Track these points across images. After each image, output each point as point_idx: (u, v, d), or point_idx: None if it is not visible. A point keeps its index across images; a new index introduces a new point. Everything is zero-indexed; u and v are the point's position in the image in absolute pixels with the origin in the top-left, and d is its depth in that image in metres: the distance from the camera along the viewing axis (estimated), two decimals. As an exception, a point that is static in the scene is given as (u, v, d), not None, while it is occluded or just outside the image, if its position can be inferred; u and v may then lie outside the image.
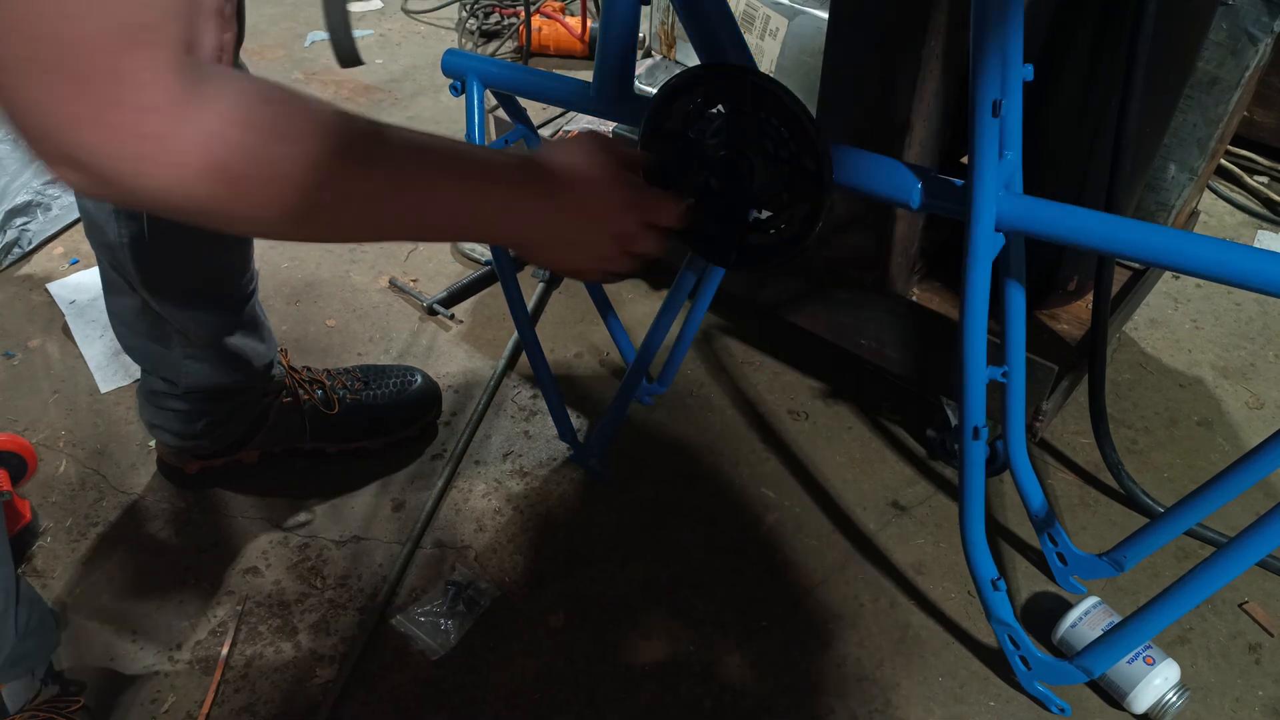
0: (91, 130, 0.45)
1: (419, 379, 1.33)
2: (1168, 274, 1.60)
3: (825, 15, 1.29)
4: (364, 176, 0.56)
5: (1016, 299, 0.97)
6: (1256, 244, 1.76)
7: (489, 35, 2.39)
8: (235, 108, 0.49)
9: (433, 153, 0.60)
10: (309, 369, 1.30)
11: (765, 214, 0.81)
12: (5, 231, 1.66)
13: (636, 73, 1.53)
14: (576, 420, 1.38)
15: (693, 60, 0.94)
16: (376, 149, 0.57)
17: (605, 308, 1.35)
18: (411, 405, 1.31)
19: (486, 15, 2.41)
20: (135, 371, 1.41)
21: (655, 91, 0.81)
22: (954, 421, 1.24)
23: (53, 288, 1.60)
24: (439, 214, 0.62)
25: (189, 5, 0.46)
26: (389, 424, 1.30)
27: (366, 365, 1.34)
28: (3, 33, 0.42)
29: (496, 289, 1.60)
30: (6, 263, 1.66)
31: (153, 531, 1.23)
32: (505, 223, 0.67)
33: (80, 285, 1.60)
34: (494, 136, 1.49)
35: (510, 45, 2.33)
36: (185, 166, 0.47)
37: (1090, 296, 1.19)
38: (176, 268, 1.04)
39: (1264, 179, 1.89)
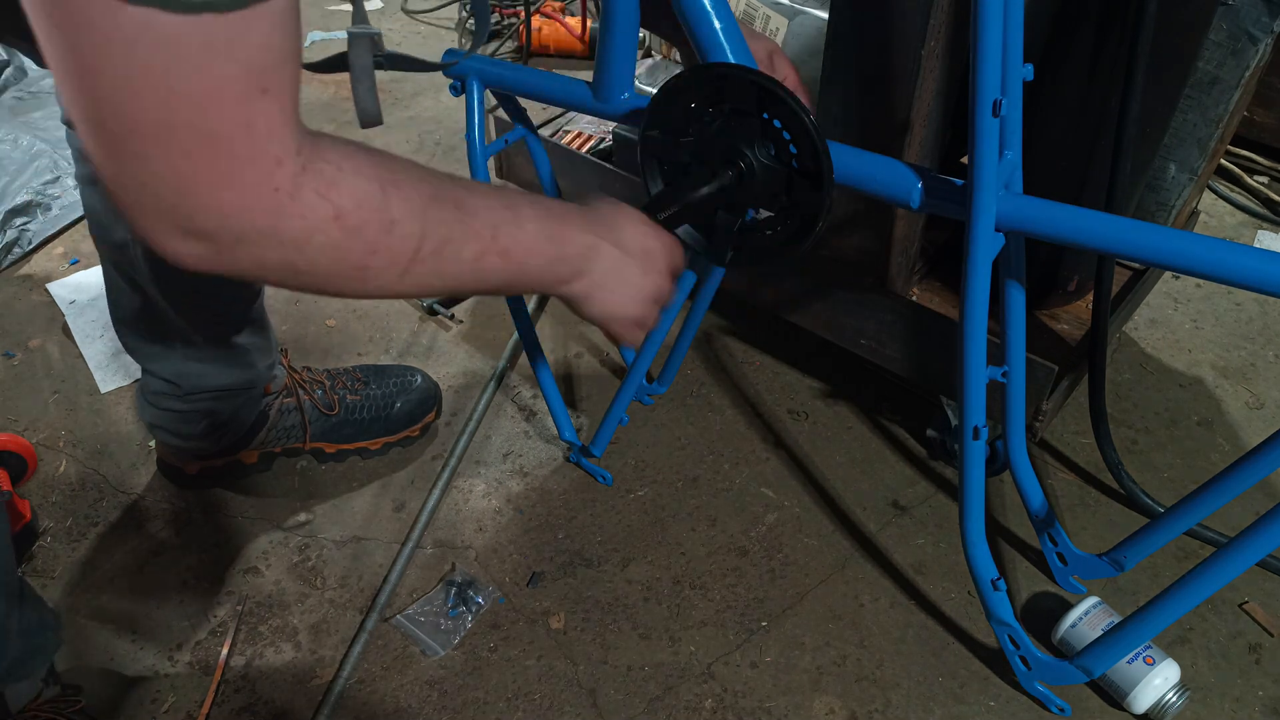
0: (230, 189, 0.44)
1: (419, 379, 1.33)
2: (1168, 274, 1.60)
3: (825, 15, 1.29)
4: (463, 219, 0.56)
5: (1016, 299, 0.97)
6: (1256, 244, 1.76)
7: (489, 35, 2.40)
8: (345, 157, 0.49)
9: (513, 195, 0.62)
10: (309, 369, 1.30)
11: (764, 214, 0.81)
12: (5, 231, 1.66)
13: (636, 73, 1.53)
14: (576, 420, 1.38)
15: (693, 60, 0.94)
16: (471, 194, 0.57)
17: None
18: (412, 405, 1.31)
19: (486, 15, 2.41)
20: (135, 371, 1.41)
21: (655, 91, 0.81)
22: (954, 421, 1.24)
23: (53, 288, 1.60)
24: (525, 252, 0.63)
25: (298, 47, 0.45)
26: (389, 424, 1.30)
27: (366, 365, 1.34)
28: (135, 96, 0.40)
29: (496, 289, 1.60)
30: (6, 263, 1.66)
31: (153, 531, 1.23)
32: (577, 258, 0.68)
33: (80, 285, 1.60)
34: (494, 136, 1.48)
35: (510, 45, 2.33)
36: (311, 218, 0.47)
37: (1090, 296, 1.19)
38: None
39: (1264, 179, 1.89)
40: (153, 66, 0.39)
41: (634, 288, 0.74)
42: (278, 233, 0.47)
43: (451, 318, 1.56)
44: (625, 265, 0.72)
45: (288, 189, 0.46)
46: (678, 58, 1.62)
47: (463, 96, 1.06)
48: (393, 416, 1.30)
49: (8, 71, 2.06)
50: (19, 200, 1.69)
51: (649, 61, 1.64)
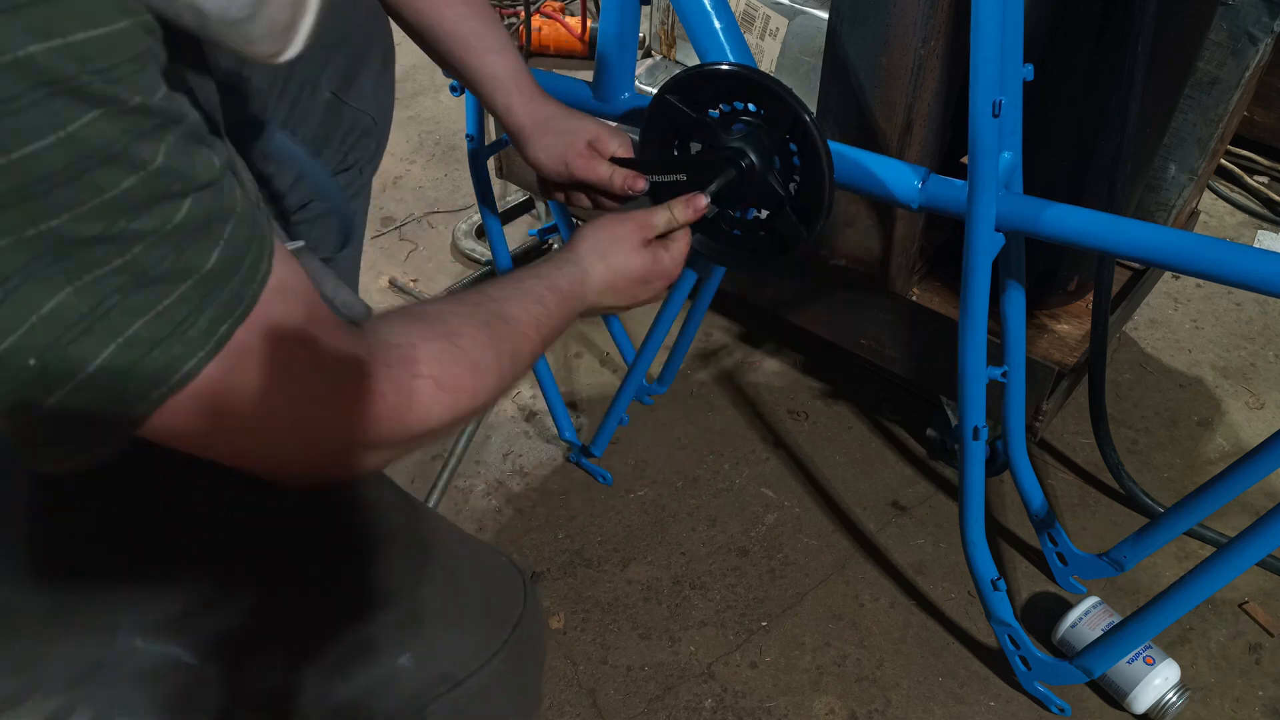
0: (403, 411, 0.51)
1: None
2: (1168, 274, 1.60)
3: (825, 15, 1.29)
4: (513, 328, 0.62)
5: (1016, 299, 0.97)
6: (1256, 244, 1.76)
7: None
8: (403, 331, 0.55)
9: (524, 281, 0.67)
10: None
11: (764, 213, 0.81)
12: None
13: (636, 73, 1.53)
14: (576, 420, 1.38)
15: (693, 60, 0.94)
16: (503, 304, 0.63)
17: (605, 308, 1.34)
18: None
19: (486, 15, 2.41)
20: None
21: (655, 92, 0.81)
22: (954, 421, 1.24)
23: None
24: (556, 327, 0.69)
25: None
26: None
27: None
28: (312, 371, 0.46)
29: (496, 289, 1.60)
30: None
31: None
32: (587, 304, 0.74)
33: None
34: (494, 136, 1.49)
35: (514, 44, 2.33)
36: (421, 398, 0.52)
37: (1090, 296, 1.19)
38: None
39: (1264, 179, 1.88)
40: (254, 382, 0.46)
41: (629, 296, 0.77)
42: (407, 427, 0.52)
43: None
44: (617, 282, 0.76)
45: (391, 389, 0.50)
46: (678, 58, 1.62)
47: (463, 96, 1.06)
48: None
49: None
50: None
51: (649, 61, 1.64)
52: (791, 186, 0.78)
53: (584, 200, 0.85)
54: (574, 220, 1.37)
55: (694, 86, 0.79)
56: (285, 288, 0.45)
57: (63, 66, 0.33)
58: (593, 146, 0.82)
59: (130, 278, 0.37)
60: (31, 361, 0.36)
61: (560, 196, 0.87)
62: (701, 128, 0.80)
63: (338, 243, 0.91)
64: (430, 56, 0.84)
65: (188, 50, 0.42)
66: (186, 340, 0.40)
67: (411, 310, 0.57)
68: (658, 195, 0.81)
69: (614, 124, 0.85)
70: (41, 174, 0.34)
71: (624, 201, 0.84)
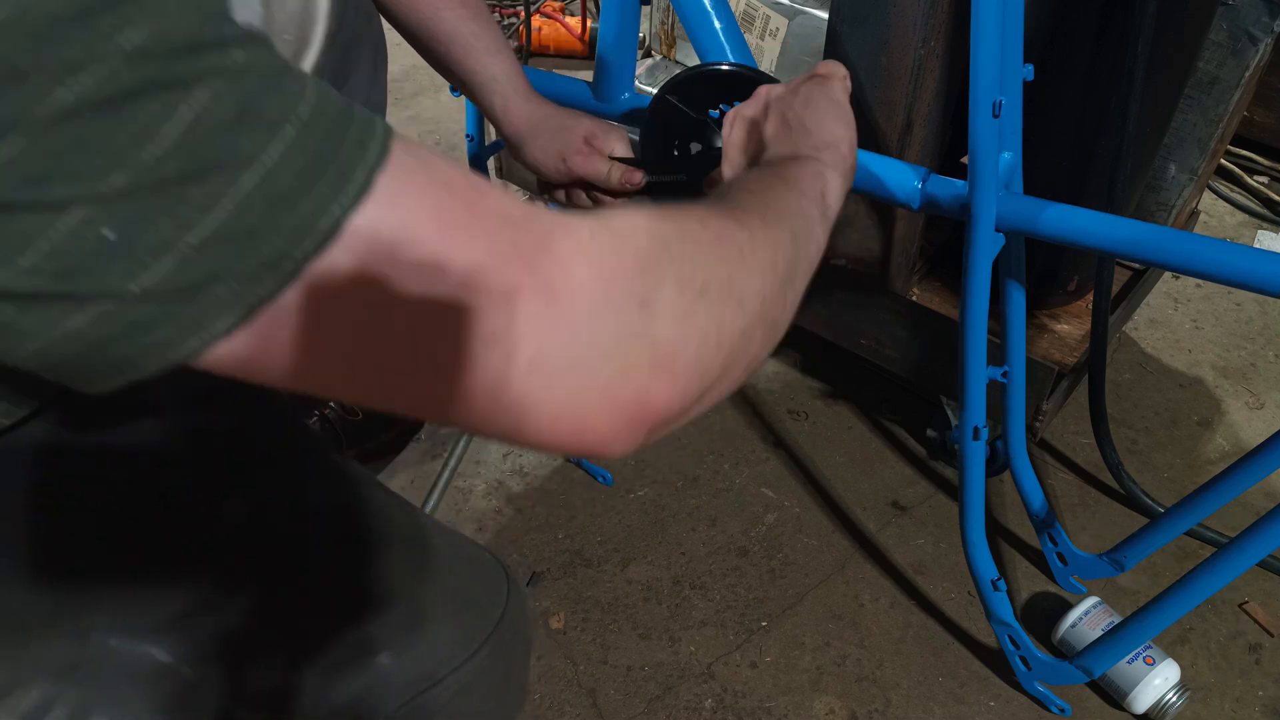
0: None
1: None
2: (1168, 274, 1.60)
3: (825, 15, 1.29)
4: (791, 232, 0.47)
5: (1016, 299, 0.97)
6: (1256, 244, 1.76)
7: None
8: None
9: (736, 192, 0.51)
10: None
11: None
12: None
13: (636, 73, 1.53)
14: (576, 420, 1.38)
15: (693, 60, 0.94)
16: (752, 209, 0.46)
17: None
18: None
19: (486, 15, 2.41)
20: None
21: (655, 91, 0.81)
22: (954, 421, 1.24)
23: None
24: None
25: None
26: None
27: None
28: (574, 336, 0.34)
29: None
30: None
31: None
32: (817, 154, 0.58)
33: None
34: (494, 136, 1.49)
35: (510, 45, 2.33)
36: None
37: (1090, 296, 1.19)
38: None
39: (1264, 179, 1.88)
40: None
41: (830, 108, 0.62)
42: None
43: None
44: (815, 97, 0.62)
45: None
46: (678, 58, 1.62)
47: (462, 97, 1.06)
48: None
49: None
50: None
51: (649, 61, 1.64)
52: None
53: (584, 199, 0.85)
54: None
55: (694, 87, 0.79)
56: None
57: None
58: (590, 143, 0.82)
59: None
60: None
61: (560, 196, 0.87)
62: (701, 128, 0.80)
63: None
64: (424, 57, 0.84)
65: None
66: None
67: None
68: (656, 195, 0.81)
69: (608, 124, 0.85)
70: None
71: (622, 198, 0.84)
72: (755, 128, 0.62)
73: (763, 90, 0.65)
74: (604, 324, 0.34)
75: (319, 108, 0.30)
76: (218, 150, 0.27)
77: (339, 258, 0.30)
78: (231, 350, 0.30)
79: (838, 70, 0.66)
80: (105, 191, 0.26)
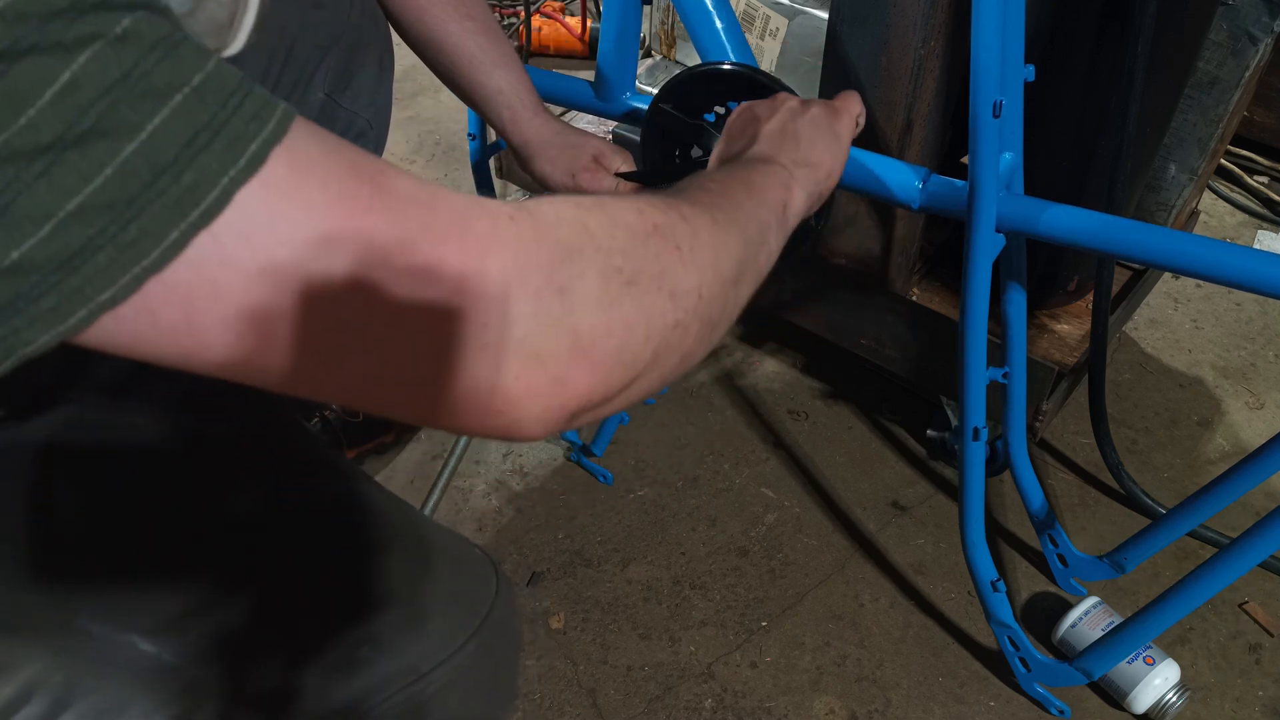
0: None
1: None
2: (1168, 274, 1.60)
3: (825, 15, 1.28)
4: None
5: (1017, 299, 0.97)
6: (1256, 244, 1.76)
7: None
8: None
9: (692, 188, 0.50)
10: None
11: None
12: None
13: (637, 73, 1.53)
14: (576, 420, 1.38)
15: (693, 60, 0.94)
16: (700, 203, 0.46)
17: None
18: None
19: (486, 15, 2.41)
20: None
21: (656, 91, 0.81)
22: (954, 422, 1.24)
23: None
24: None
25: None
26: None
27: None
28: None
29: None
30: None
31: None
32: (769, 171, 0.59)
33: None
34: (494, 136, 1.49)
35: (518, 57, 2.33)
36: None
37: (1090, 296, 1.19)
38: None
39: (1264, 179, 1.88)
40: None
41: (826, 139, 0.63)
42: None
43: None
44: (806, 125, 0.63)
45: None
46: (678, 58, 1.62)
47: (464, 97, 1.06)
48: None
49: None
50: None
51: (649, 61, 1.64)
52: None
53: None
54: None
55: (687, 91, 0.79)
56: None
57: None
58: (598, 161, 0.85)
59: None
60: None
61: None
62: (698, 133, 0.80)
63: None
64: (431, 69, 0.85)
65: None
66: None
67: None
68: None
69: (614, 145, 0.87)
70: None
71: None
72: (757, 121, 0.64)
73: (782, 95, 0.67)
74: (520, 307, 0.34)
75: (214, 79, 0.29)
76: (100, 116, 0.27)
77: (229, 233, 0.29)
78: (126, 327, 0.29)
79: (854, 107, 0.68)
80: None
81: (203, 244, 0.29)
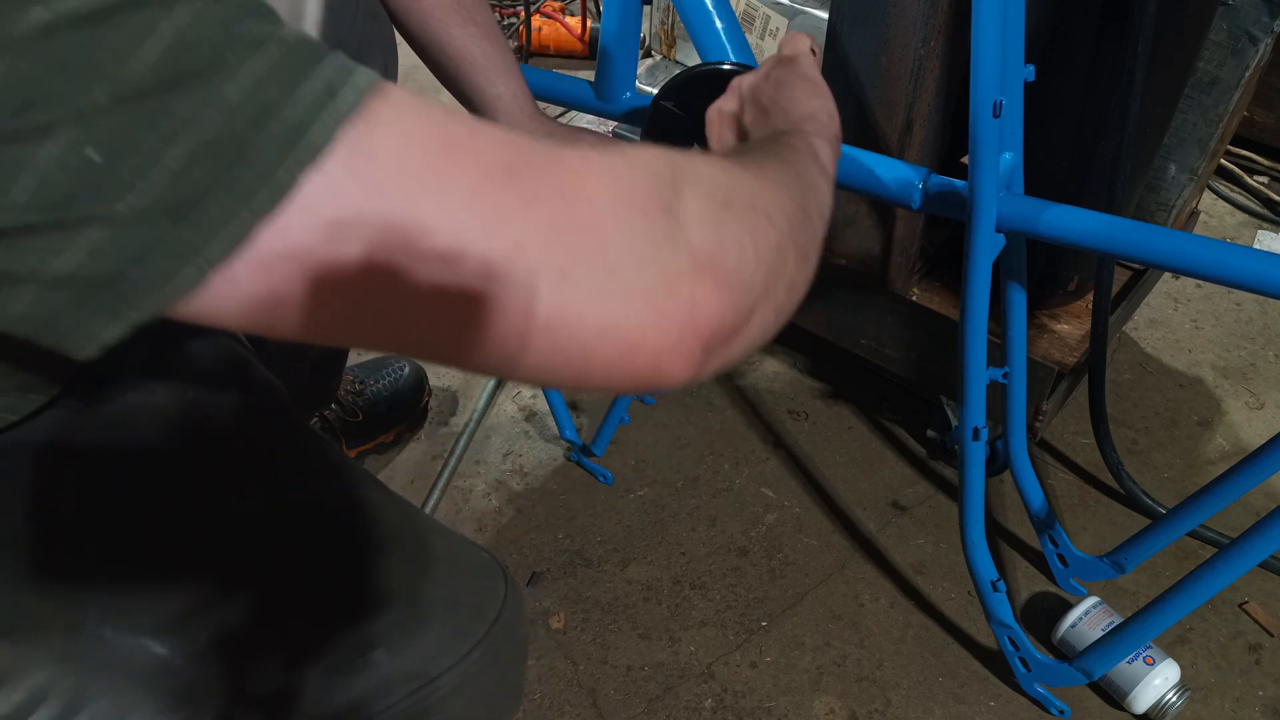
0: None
1: (405, 364, 1.37)
2: (1168, 274, 1.60)
3: (825, 15, 1.29)
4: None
5: (1017, 299, 0.97)
6: (1256, 244, 1.76)
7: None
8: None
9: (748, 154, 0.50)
10: None
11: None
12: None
13: (637, 73, 1.53)
14: (577, 419, 1.38)
15: (693, 60, 0.94)
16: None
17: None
18: (410, 389, 1.35)
19: (486, 15, 2.41)
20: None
21: (656, 91, 0.81)
22: (954, 422, 1.24)
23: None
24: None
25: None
26: (400, 412, 1.33)
27: (353, 365, 1.35)
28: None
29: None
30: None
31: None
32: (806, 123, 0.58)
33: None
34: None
35: (510, 45, 2.33)
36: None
37: (1090, 296, 1.19)
38: None
39: (1264, 179, 1.88)
40: None
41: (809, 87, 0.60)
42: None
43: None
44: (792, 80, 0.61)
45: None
46: (678, 58, 1.63)
47: (463, 96, 1.06)
48: (401, 404, 1.32)
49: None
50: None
51: (649, 61, 1.64)
52: None
53: None
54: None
55: (688, 89, 0.79)
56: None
57: None
58: None
59: None
60: None
61: None
62: (699, 130, 0.80)
63: None
64: (433, 71, 0.85)
65: None
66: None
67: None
68: None
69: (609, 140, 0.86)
70: None
71: None
72: (735, 121, 0.62)
73: (735, 83, 0.64)
74: (632, 226, 0.32)
75: (301, 37, 0.29)
76: (201, 63, 0.27)
77: (337, 174, 0.28)
78: (236, 289, 0.28)
79: (801, 45, 0.64)
80: (86, 110, 0.25)
81: (313, 188, 0.28)
